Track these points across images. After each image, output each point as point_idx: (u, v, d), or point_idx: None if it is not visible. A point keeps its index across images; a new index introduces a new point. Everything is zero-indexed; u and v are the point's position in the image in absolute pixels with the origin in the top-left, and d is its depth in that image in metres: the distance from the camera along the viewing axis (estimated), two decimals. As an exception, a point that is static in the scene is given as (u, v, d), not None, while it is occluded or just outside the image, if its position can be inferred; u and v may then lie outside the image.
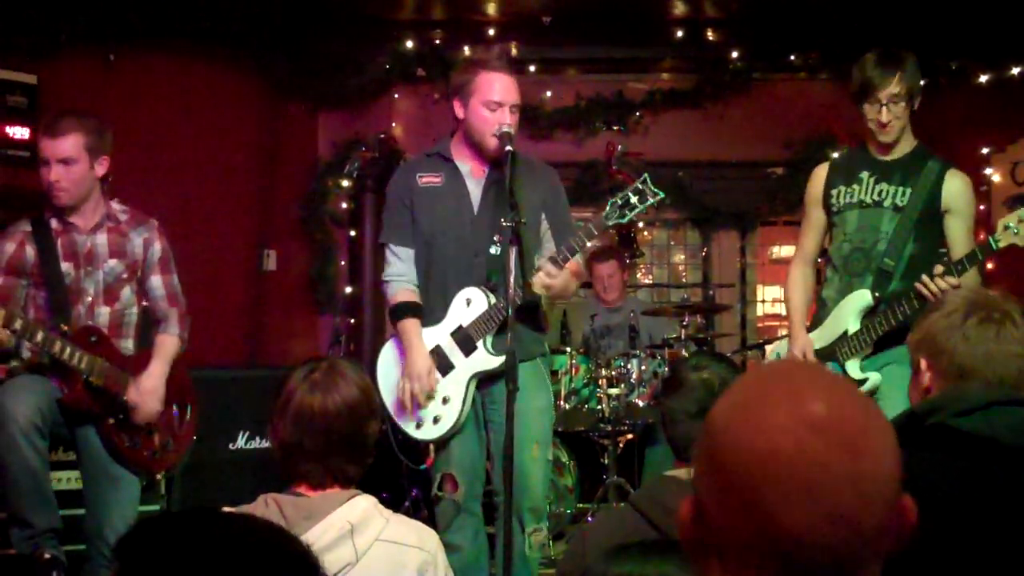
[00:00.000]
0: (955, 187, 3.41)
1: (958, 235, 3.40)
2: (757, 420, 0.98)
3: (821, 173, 3.66)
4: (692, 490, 1.06)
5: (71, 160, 3.45)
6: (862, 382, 3.40)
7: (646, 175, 3.43)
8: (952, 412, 1.84)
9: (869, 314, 3.43)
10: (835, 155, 3.98)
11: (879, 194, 3.46)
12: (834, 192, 3.56)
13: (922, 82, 3.48)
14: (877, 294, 3.41)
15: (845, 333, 3.46)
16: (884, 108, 3.38)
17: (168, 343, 3.72)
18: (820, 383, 1.01)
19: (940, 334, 2.05)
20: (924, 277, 3.22)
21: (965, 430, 1.82)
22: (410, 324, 3.49)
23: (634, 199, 3.36)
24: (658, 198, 3.37)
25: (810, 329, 3.62)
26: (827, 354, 3.52)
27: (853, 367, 3.44)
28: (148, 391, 3.56)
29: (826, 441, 0.95)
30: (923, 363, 2.09)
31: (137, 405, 3.54)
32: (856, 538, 0.95)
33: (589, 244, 3.45)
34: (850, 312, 3.45)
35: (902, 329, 3.16)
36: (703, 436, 1.03)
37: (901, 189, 3.42)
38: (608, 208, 3.36)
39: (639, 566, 1.39)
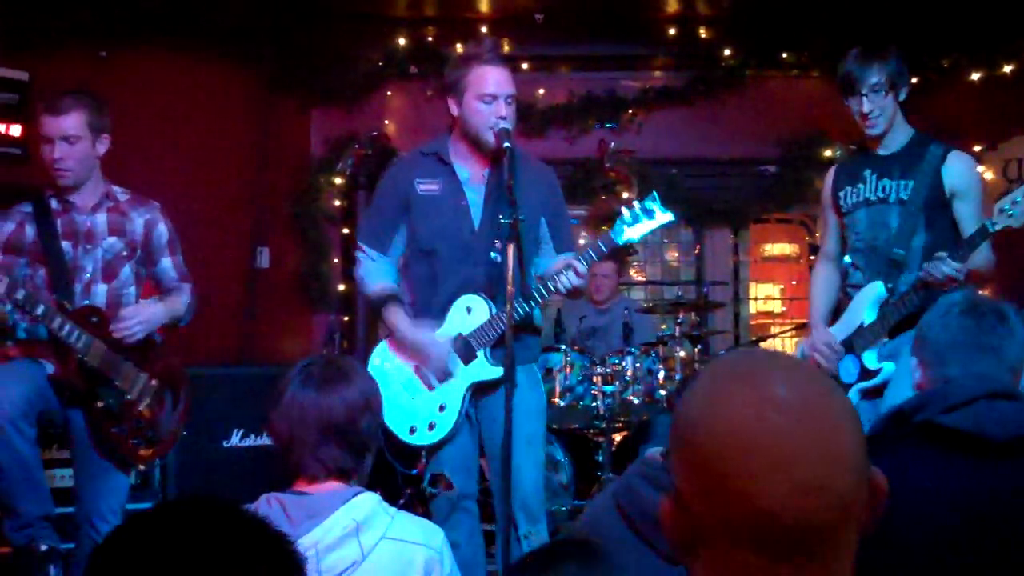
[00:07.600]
0: (957, 169, 3.37)
1: (967, 217, 3.35)
2: (722, 402, 1.01)
3: (829, 176, 3.70)
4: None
5: (74, 138, 3.47)
6: (876, 372, 3.42)
7: (655, 193, 3.44)
8: (938, 408, 1.87)
9: (883, 305, 3.43)
10: (840, 156, 3.92)
11: (883, 190, 3.46)
12: (841, 194, 3.59)
13: (908, 76, 3.46)
14: (890, 285, 3.41)
15: (861, 325, 3.47)
16: (864, 99, 3.39)
17: (174, 296, 3.71)
18: (782, 368, 1.04)
19: (926, 325, 2.14)
20: (927, 264, 3.23)
21: (952, 427, 1.83)
22: (399, 312, 3.47)
23: (643, 217, 3.39)
24: (668, 218, 3.41)
25: (834, 323, 3.64)
26: (845, 347, 3.53)
27: (870, 358, 3.45)
28: (130, 314, 3.51)
29: (788, 417, 0.98)
30: (916, 360, 2.14)
31: (119, 325, 3.48)
32: (827, 507, 0.97)
33: (597, 259, 3.45)
34: (864, 304, 3.47)
35: (915, 316, 3.15)
36: (675, 424, 1.05)
37: (903, 183, 3.42)
38: (616, 225, 3.39)
39: None
